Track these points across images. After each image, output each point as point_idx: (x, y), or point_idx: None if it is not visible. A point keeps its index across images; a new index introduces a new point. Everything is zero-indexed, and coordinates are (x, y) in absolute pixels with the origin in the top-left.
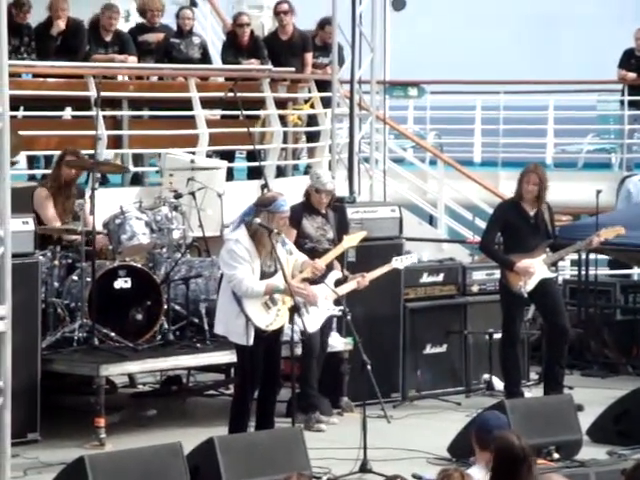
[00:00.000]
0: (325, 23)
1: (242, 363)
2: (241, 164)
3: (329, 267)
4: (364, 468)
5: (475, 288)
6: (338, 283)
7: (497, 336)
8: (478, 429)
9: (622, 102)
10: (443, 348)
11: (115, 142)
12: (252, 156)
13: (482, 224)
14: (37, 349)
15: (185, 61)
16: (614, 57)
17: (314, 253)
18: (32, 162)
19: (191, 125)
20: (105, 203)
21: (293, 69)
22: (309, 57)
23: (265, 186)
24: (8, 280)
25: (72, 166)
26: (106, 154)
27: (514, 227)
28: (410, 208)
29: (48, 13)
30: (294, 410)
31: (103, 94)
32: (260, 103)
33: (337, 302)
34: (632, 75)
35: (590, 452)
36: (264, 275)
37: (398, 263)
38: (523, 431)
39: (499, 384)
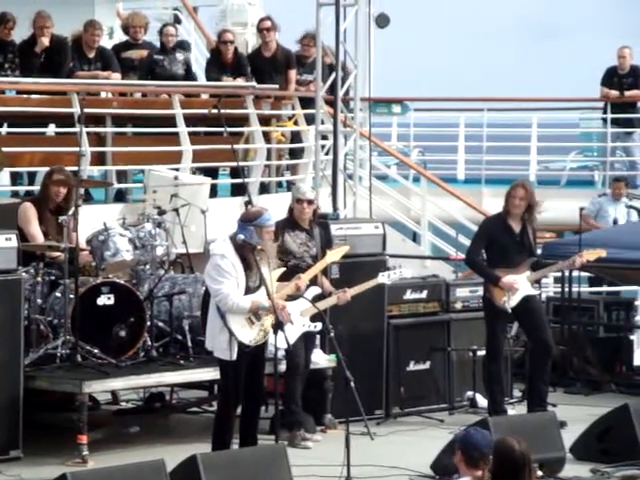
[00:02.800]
0: (305, 37)
1: (225, 379)
2: (225, 181)
3: (310, 282)
4: None
5: (459, 305)
6: (317, 299)
7: (481, 353)
8: (466, 447)
9: (605, 120)
10: (427, 365)
11: (99, 159)
12: (236, 173)
13: (465, 241)
14: (20, 366)
15: (169, 78)
16: (597, 74)
17: (297, 270)
18: (15, 179)
19: (175, 142)
20: (88, 220)
21: (277, 86)
22: (293, 74)
23: (249, 202)
24: None
25: (60, 184)
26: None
27: (499, 242)
28: (394, 225)
29: (32, 30)
30: (278, 427)
31: (87, 111)
32: (244, 120)
33: (315, 318)
34: (614, 93)
35: (573, 470)
36: (249, 290)
37: (384, 278)
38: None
39: (482, 401)
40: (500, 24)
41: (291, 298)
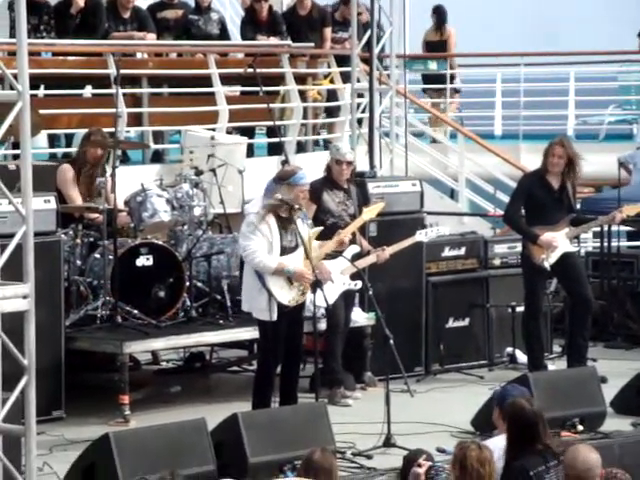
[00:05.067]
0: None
1: (264, 339)
2: (261, 140)
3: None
4: (388, 442)
5: (497, 261)
6: (357, 257)
7: (520, 309)
8: (503, 404)
9: None
10: (466, 322)
11: (135, 120)
12: (272, 132)
13: (503, 197)
14: (61, 327)
15: (204, 37)
16: (634, 27)
17: (336, 228)
18: (53, 141)
19: (211, 102)
20: (126, 181)
21: (312, 44)
22: (328, 32)
23: (285, 162)
24: (30, 258)
25: (97, 145)
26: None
27: (538, 199)
28: (431, 182)
29: None
30: (317, 385)
31: (123, 72)
32: (279, 79)
33: (355, 276)
34: None
35: (614, 424)
36: (285, 250)
37: (422, 236)
38: (547, 404)
39: (522, 357)
40: None
41: (330, 257)
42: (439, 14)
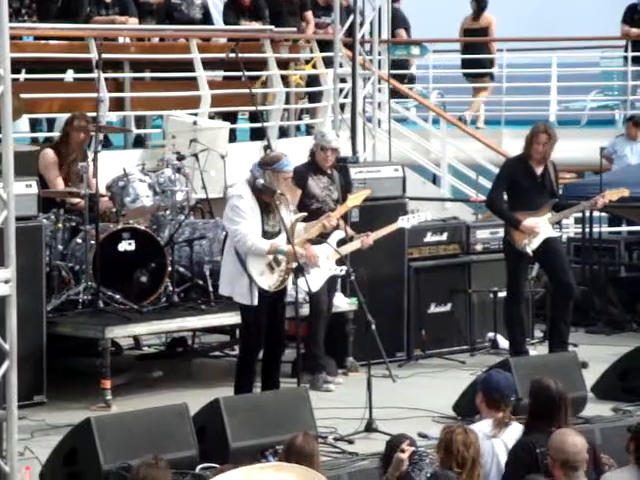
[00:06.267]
0: None
1: (246, 323)
2: (244, 125)
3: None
4: (370, 427)
5: (479, 247)
6: (341, 243)
7: (502, 294)
8: (487, 389)
9: (625, 58)
10: (447, 307)
11: (117, 104)
12: (254, 117)
13: (485, 183)
14: (42, 312)
15: (186, 22)
16: (617, 13)
17: (320, 214)
18: (34, 125)
19: (193, 86)
20: (108, 166)
21: (295, 29)
22: (309, 15)
23: (268, 147)
24: (12, 243)
25: (81, 130)
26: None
27: (520, 185)
28: (413, 167)
29: None
30: (300, 370)
31: (104, 56)
32: (262, 64)
33: (340, 262)
34: (635, 31)
35: (595, 409)
36: (267, 235)
37: (404, 222)
38: (528, 389)
39: (504, 342)
40: None
41: (315, 243)
42: (478, 1)
